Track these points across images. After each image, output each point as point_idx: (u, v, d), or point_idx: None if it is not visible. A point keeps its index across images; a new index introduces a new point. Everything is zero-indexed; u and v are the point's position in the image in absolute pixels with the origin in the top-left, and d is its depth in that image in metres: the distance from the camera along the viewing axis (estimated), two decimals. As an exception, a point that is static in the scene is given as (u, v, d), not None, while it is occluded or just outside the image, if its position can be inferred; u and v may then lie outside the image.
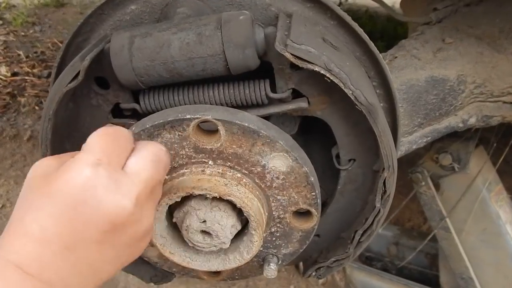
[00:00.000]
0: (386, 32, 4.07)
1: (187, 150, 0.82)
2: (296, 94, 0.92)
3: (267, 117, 0.94)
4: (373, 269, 2.23)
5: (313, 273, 1.11)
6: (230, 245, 0.87)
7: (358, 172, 1.00)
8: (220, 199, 0.81)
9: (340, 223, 1.08)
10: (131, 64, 0.84)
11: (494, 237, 1.71)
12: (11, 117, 3.22)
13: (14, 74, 3.58)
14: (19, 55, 3.84)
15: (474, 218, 1.74)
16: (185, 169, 0.83)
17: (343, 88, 0.81)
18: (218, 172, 0.82)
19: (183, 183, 0.80)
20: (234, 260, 0.89)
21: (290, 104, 0.90)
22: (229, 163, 0.83)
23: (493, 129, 1.71)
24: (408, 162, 2.06)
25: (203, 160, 0.82)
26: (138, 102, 0.94)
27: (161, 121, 0.79)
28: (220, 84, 0.90)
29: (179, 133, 0.80)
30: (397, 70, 1.31)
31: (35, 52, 3.93)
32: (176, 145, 0.81)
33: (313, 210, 0.89)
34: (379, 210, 0.94)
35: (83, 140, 0.65)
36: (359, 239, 1.00)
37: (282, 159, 0.82)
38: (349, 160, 0.99)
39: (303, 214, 0.92)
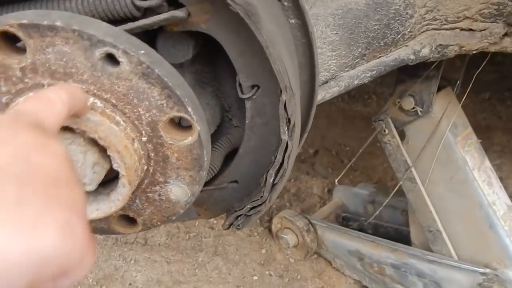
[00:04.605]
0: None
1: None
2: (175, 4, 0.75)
3: (153, 38, 0.78)
4: (342, 228, 2.11)
5: (232, 224, 0.98)
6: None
7: (265, 102, 0.85)
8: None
9: (257, 166, 0.94)
10: None
11: (462, 185, 1.56)
12: None
13: None
14: None
15: (440, 166, 1.59)
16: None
17: None
18: None
19: None
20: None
21: (164, 14, 0.74)
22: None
23: (456, 63, 1.54)
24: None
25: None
26: None
27: None
28: None
29: None
30: (334, -7, 1.15)
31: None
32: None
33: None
34: (287, 143, 0.80)
35: None
36: (273, 181, 0.86)
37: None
38: (252, 87, 0.83)
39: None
